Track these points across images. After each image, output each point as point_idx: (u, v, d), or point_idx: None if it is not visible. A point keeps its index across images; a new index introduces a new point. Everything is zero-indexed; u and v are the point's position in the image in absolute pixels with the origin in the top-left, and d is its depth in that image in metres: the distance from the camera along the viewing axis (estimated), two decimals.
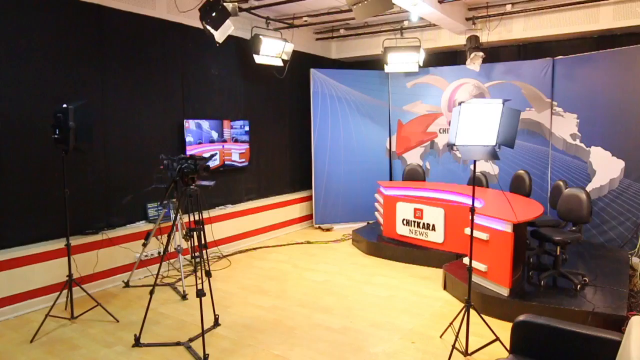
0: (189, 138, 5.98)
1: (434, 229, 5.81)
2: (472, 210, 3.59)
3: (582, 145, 6.43)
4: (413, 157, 8.00)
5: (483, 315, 3.79)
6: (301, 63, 7.86)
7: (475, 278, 4.66)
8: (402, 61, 7.34)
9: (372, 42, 8.15)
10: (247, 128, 6.91)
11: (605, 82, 6.11)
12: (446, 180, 7.47)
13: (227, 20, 4.75)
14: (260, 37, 6.49)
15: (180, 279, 5.09)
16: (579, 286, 4.40)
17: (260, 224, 7.22)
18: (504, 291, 4.28)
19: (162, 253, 4.23)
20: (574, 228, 4.71)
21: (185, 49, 6.03)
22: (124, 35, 5.29)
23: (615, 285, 4.55)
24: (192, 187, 3.72)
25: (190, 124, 6.02)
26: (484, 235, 4.43)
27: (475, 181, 6.60)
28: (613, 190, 6.01)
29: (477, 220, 4.59)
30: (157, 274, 3.98)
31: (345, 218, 8.11)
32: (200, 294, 3.44)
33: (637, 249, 5.71)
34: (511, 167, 7.17)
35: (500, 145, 3.37)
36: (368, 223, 7.97)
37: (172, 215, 5.39)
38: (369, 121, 8.14)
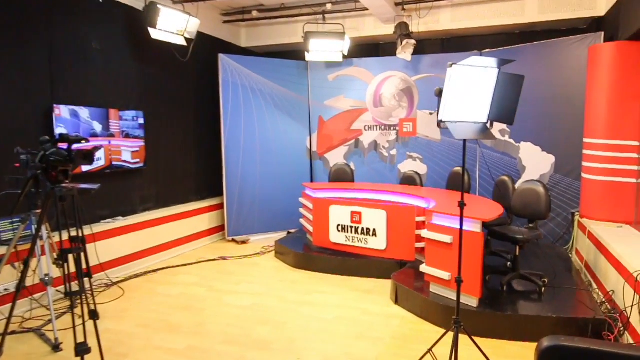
0: (60, 129, 4.51)
1: (374, 234, 5.06)
2: (462, 205, 2.84)
3: (512, 141, 6.23)
4: (336, 158, 7.26)
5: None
6: (207, 48, 6.71)
7: (434, 288, 3.96)
8: (325, 49, 6.58)
9: (289, 29, 7.29)
10: (141, 121, 5.56)
11: (533, 76, 5.93)
12: (373, 182, 6.84)
13: None
14: (159, 6, 5.24)
15: (50, 321, 3.64)
16: (543, 289, 3.94)
17: (161, 239, 5.87)
18: (473, 302, 3.63)
19: (18, 287, 2.82)
20: (531, 225, 4.27)
21: (53, 9, 4.57)
22: None
23: (573, 285, 4.18)
24: (64, 185, 2.46)
25: (62, 111, 4.56)
26: (446, 238, 3.75)
27: (409, 180, 6.08)
28: None
29: (437, 220, 3.91)
30: (10, 316, 2.62)
31: (263, 228, 7.06)
32: (82, 351, 2.20)
33: (570, 245, 5.56)
34: (439, 166, 6.79)
35: (493, 122, 2.68)
36: (289, 232, 7.04)
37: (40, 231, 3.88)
38: (287, 117, 7.23)
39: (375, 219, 5.02)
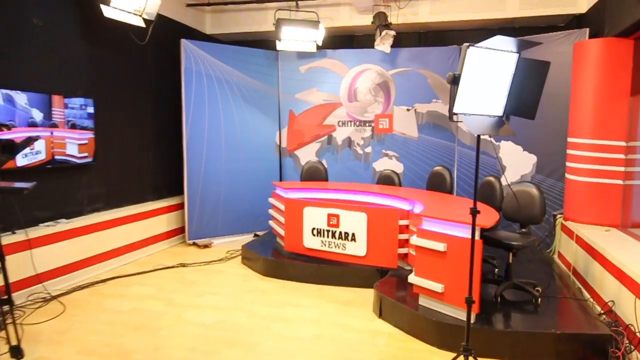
0: None
1: (353, 239, 4.64)
2: (474, 212, 2.45)
3: (492, 140, 5.97)
4: (307, 155, 6.79)
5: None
6: (168, 32, 6.08)
7: (424, 301, 3.58)
8: (298, 38, 6.10)
9: (259, 16, 6.77)
10: (90, 110, 4.89)
11: None
12: (346, 181, 6.44)
13: None
14: None
15: None
16: (539, 300, 3.65)
17: (112, 244, 5.22)
18: (470, 318, 3.27)
19: None
20: (523, 230, 3.97)
21: None
22: None
23: (568, 293, 3.92)
24: None
25: None
26: (439, 246, 3.37)
27: (386, 180, 5.70)
28: None
29: (428, 226, 3.53)
30: None
31: (228, 230, 6.51)
32: None
33: (552, 248, 5.36)
34: (416, 165, 6.47)
35: (509, 116, 2.30)
36: (256, 235, 6.53)
37: None
38: (256, 110, 6.69)
39: (354, 222, 4.60)
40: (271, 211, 5.73)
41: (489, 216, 3.54)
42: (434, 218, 3.45)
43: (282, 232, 5.23)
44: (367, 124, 6.63)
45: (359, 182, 6.29)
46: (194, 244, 6.24)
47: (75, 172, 4.83)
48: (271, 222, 5.75)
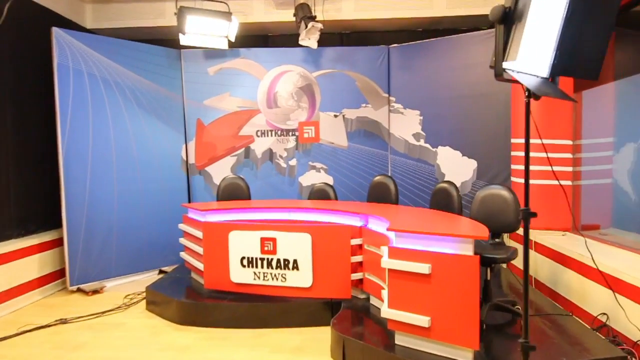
0: None
1: (295, 267, 3.74)
2: (527, 215, 1.75)
3: (428, 145, 5.54)
4: (221, 171, 5.77)
5: None
6: (37, 22, 4.73)
7: (402, 339, 2.81)
8: (206, 32, 5.13)
9: (154, 8, 5.67)
10: None
11: (447, 73, 5.39)
12: (267, 199, 5.55)
13: None
14: None
15: None
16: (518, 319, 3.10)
17: None
18: (466, 357, 2.57)
19: None
20: (497, 240, 3.43)
21: None
22: None
23: (549, 309, 3.45)
24: None
25: None
26: (421, 268, 2.64)
27: (320, 195, 4.93)
28: (465, 195, 5.21)
29: (403, 243, 2.79)
30: None
31: (125, 268, 5.19)
32: None
33: None
34: (347, 177, 5.82)
35: (555, 77, 1.65)
36: (162, 272, 5.32)
37: None
38: (155, 119, 5.52)
39: (295, 246, 3.72)
40: (183, 240, 4.61)
41: (474, 226, 2.91)
42: (411, 232, 2.73)
43: (199, 265, 4.15)
44: (290, 133, 5.84)
45: (281, 199, 5.43)
46: (79, 289, 4.83)
47: None
48: (183, 254, 4.61)
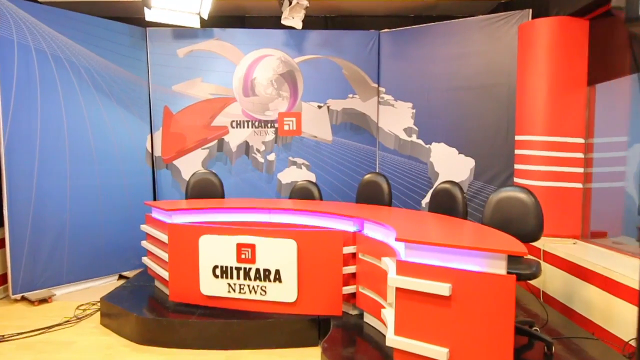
0: None
1: (278, 278, 3.20)
2: None
3: (420, 142, 5.09)
4: (191, 165, 5.17)
5: None
6: None
7: None
8: (174, 7, 4.51)
9: None
10: None
11: (445, 62, 4.94)
12: (243, 197, 4.99)
13: None
14: None
15: None
16: (552, 347, 2.66)
17: None
18: None
19: None
20: None
21: None
22: None
23: (568, 330, 3.04)
24: None
25: None
26: (440, 288, 2.16)
27: (303, 194, 4.41)
28: None
29: (414, 257, 2.30)
30: None
31: (78, 274, 4.53)
32: None
33: None
34: (331, 174, 5.32)
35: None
36: (123, 277, 4.72)
37: None
38: (116, 105, 4.86)
39: (278, 254, 3.18)
40: (145, 244, 4.00)
41: (504, 238, 2.44)
42: (430, 244, 2.23)
43: (164, 274, 3.56)
44: (268, 125, 5.28)
45: (258, 199, 4.89)
46: (24, 298, 4.16)
47: None
48: (146, 259, 4.01)
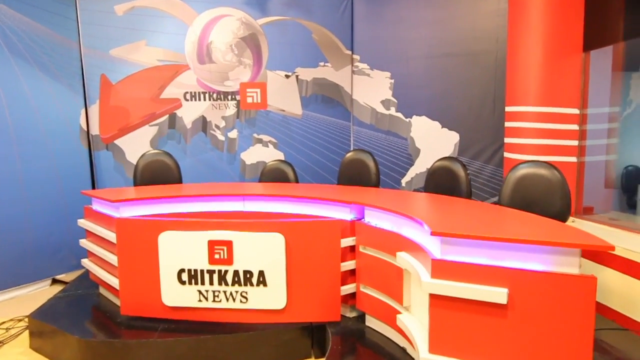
0: None
1: (262, 281, 2.60)
2: None
3: (400, 115, 4.63)
4: (137, 145, 4.38)
5: None
6: None
7: None
8: None
9: None
10: None
11: (424, 27, 4.48)
12: (202, 181, 4.30)
13: None
14: None
15: None
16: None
17: None
18: None
19: None
20: None
21: None
22: None
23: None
24: None
25: None
26: (494, 294, 1.69)
27: (275, 175, 3.81)
28: None
29: (459, 253, 1.81)
30: None
31: (0, 281, 3.69)
32: None
33: None
34: (299, 152, 4.76)
35: None
36: (56, 281, 3.93)
37: None
38: (41, 74, 3.94)
39: (261, 251, 2.58)
40: (85, 242, 3.24)
41: (569, 228, 2.00)
42: (478, 238, 1.74)
43: (113, 281, 2.85)
44: (229, 97, 4.58)
45: (225, 183, 4.25)
46: None
47: None
48: (87, 262, 3.26)
